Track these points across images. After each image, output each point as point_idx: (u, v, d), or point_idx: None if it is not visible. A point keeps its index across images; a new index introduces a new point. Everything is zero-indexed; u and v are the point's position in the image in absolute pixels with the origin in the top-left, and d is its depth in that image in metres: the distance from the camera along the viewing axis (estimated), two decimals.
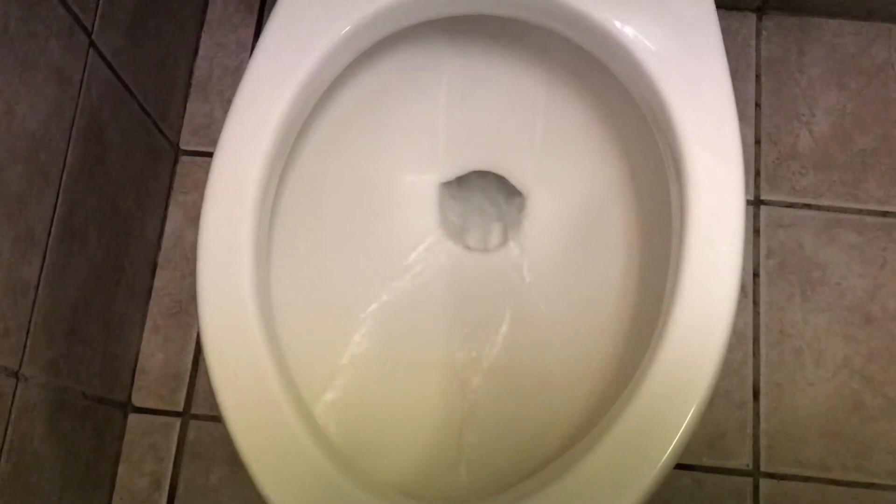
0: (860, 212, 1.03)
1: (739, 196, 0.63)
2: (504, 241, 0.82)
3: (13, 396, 0.75)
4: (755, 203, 1.04)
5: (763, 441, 0.97)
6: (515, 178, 0.83)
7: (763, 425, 0.97)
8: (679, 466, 0.95)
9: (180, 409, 1.00)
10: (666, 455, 0.58)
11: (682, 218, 0.63)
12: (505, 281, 0.80)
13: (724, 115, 0.65)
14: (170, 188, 1.06)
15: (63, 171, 0.80)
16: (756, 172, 1.05)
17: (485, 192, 0.84)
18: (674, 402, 0.59)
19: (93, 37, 0.82)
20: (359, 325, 0.78)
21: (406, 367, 0.77)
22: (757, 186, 1.05)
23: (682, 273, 0.61)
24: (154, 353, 1.01)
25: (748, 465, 0.96)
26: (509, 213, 0.83)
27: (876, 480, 0.95)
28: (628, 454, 0.58)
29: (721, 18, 1.07)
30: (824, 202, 1.04)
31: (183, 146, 1.08)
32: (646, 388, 0.59)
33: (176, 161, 1.07)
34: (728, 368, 0.99)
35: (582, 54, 0.72)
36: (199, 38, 1.11)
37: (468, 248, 0.81)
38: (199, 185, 1.03)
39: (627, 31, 0.67)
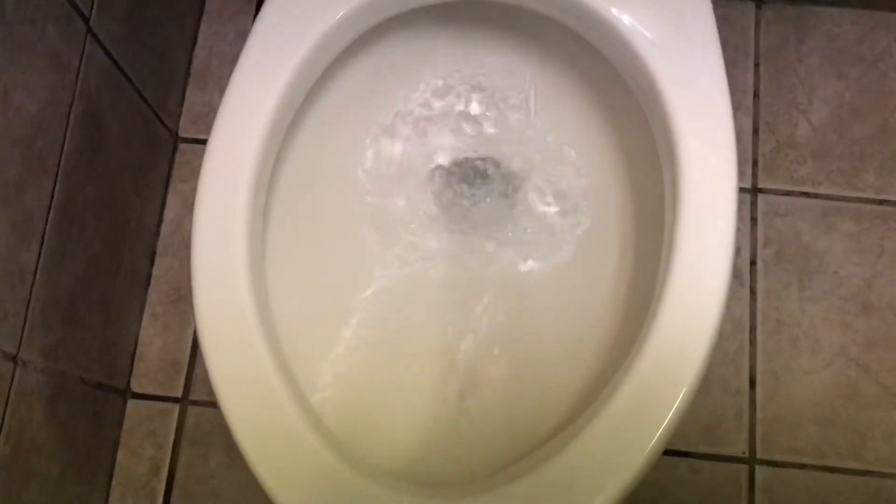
0: (858, 200, 1.03)
1: (731, 183, 0.63)
2: (499, 226, 0.82)
3: (11, 380, 0.76)
4: (753, 191, 1.04)
5: (759, 429, 0.97)
6: (510, 164, 0.83)
7: (759, 413, 0.97)
8: (675, 453, 0.96)
9: (179, 395, 1.00)
10: (655, 438, 0.58)
11: (675, 204, 0.63)
12: (500, 266, 0.80)
13: (717, 103, 0.65)
14: (169, 176, 1.07)
15: (61, 157, 0.80)
16: (754, 161, 1.05)
17: (480, 178, 0.84)
18: (664, 386, 0.59)
19: (90, 24, 0.83)
20: (355, 312, 0.78)
21: (402, 353, 0.77)
22: (755, 175, 1.05)
23: (674, 259, 0.61)
24: (153, 339, 1.02)
25: (744, 453, 0.97)
26: (504, 198, 0.83)
27: (872, 468, 0.96)
28: (618, 437, 0.58)
29: (720, 7, 1.08)
30: (822, 191, 1.04)
31: (182, 134, 1.08)
32: (636, 372, 0.59)
33: (175, 149, 1.08)
34: (724, 356, 0.99)
35: (577, 41, 0.72)
36: (197, 27, 1.11)
37: (463, 233, 0.81)
38: (198, 174, 1.03)
39: (622, 18, 0.68)
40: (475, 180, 0.83)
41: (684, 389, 0.60)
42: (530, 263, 0.80)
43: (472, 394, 0.75)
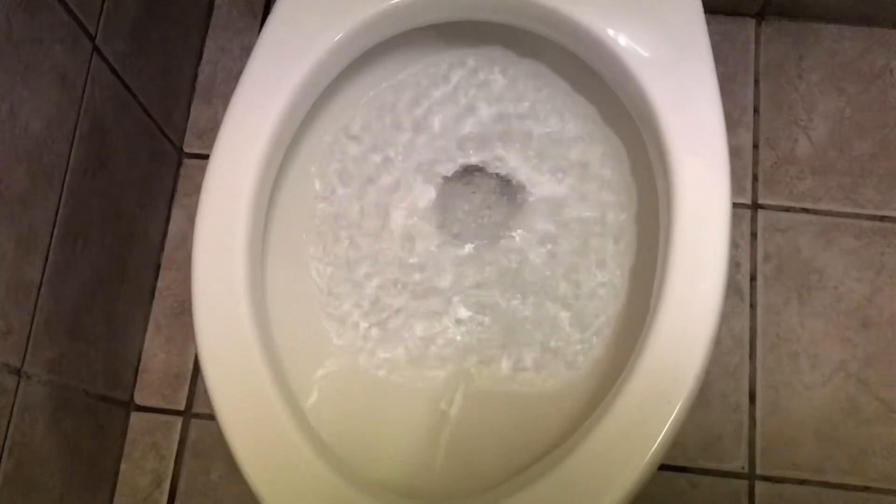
0: (858, 216, 1.04)
1: (725, 199, 0.64)
2: (500, 238, 0.82)
3: (15, 393, 0.77)
4: (753, 207, 1.05)
5: (759, 444, 0.97)
6: (512, 176, 0.83)
7: (759, 428, 0.98)
8: (674, 469, 0.96)
9: (182, 407, 1.01)
10: (651, 452, 0.59)
11: (669, 220, 0.64)
12: (501, 275, 0.81)
13: (711, 120, 0.66)
14: (173, 190, 1.08)
15: (66, 173, 0.81)
16: (754, 177, 1.06)
17: (482, 190, 0.84)
18: (659, 401, 0.60)
19: (96, 42, 0.84)
20: (354, 326, 0.79)
21: (399, 367, 0.78)
22: (755, 190, 1.05)
23: (668, 275, 0.62)
24: (157, 352, 1.03)
25: (744, 468, 0.97)
26: (506, 210, 0.83)
27: (871, 484, 0.96)
28: (614, 452, 0.59)
29: (720, 24, 1.10)
30: (822, 206, 1.04)
31: (187, 149, 1.09)
32: (630, 388, 0.60)
33: (180, 164, 1.09)
34: (724, 371, 0.99)
35: (575, 59, 0.73)
36: (203, 43, 1.13)
37: (463, 244, 0.82)
38: None
39: (617, 37, 0.68)
40: (477, 192, 0.84)
41: (679, 404, 0.60)
42: (530, 275, 0.80)
43: (467, 410, 0.75)
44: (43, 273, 0.79)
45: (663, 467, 0.96)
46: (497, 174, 0.83)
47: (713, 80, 0.67)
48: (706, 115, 0.66)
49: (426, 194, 0.82)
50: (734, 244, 1.03)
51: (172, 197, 1.08)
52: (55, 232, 0.80)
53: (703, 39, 0.68)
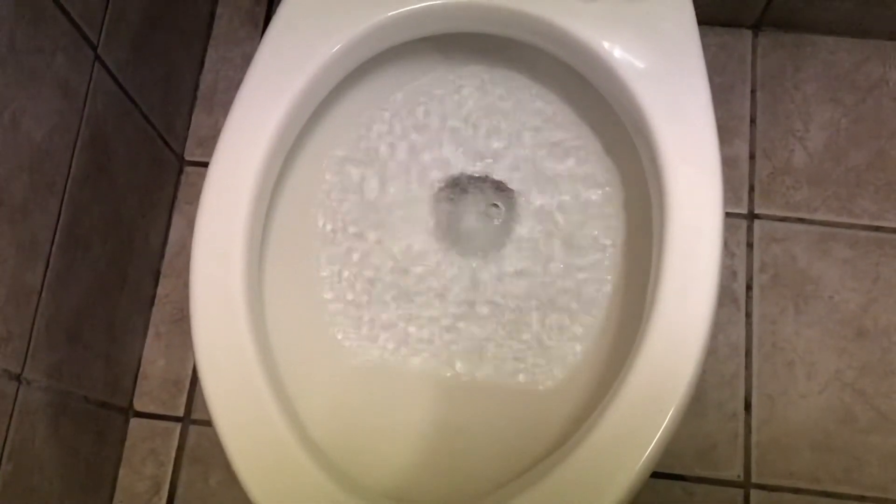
0: (853, 226, 1.04)
1: (718, 207, 0.64)
2: (497, 245, 0.83)
3: (15, 399, 0.77)
4: (749, 217, 1.05)
5: (754, 452, 0.98)
6: (511, 188, 0.84)
7: (755, 437, 0.98)
8: (670, 477, 0.97)
9: (181, 414, 1.02)
10: (641, 462, 0.59)
11: (662, 229, 0.64)
12: (498, 281, 0.81)
13: (703, 129, 0.66)
14: (174, 198, 1.09)
15: (67, 180, 0.82)
16: (750, 187, 1.06)
17: (478, 199, 0.85)
18: (650, 409, 0.60)
19: (98, 51, 0.85)
20: (351, 335, 0.79)
21: (398, 374, 0.78)
22: (751, 200, 1.06)
23: (661, 283, 0.63)
24: (156, 358, 1.03)
25: (739, 477, 0.97)
26: (504, 220, 0.84)
27: (866, 493, 0.96)
28: (604, 461, 0.59)
29: (717, 35, 1.11)
30: (818, 216, 1.05)
31: (188, 157, 1.10)
32: (623, 396, 0.60)
33: (180, 171, 1.10)
34: (720, 380, 1.00)
35: (570, 71, 0.74)
36: (204, 52, 1.14)
37: (460, 254, 0.83)
38: None
39: (612, 49, 0.69)
40: (473, 201, 0.84)
41: (672, 411, 0.60)
42: (525, 282, 0.81)
43: (463, 417, 0.76)
44: (43, 279, 0.80)
45: (659, 475, 0.97)
46: (496, 186, 0.84)
47: (706, 91, 0.68)
48: (699, 125, 0.66)
49: (426, 202, 0.83)
50: (730, 254, 1.04)
51: (173, 204, 1.09)
52: (56, 239, 0.81)
53: (697, 50, 0.69)
